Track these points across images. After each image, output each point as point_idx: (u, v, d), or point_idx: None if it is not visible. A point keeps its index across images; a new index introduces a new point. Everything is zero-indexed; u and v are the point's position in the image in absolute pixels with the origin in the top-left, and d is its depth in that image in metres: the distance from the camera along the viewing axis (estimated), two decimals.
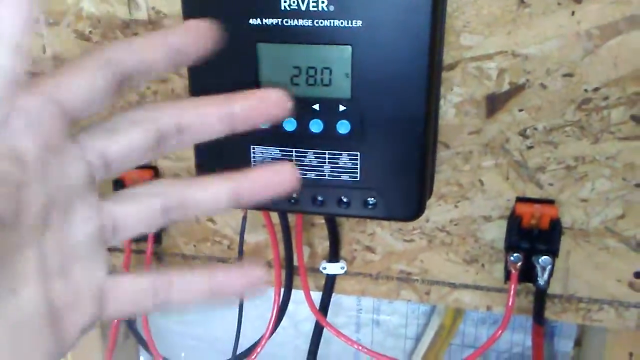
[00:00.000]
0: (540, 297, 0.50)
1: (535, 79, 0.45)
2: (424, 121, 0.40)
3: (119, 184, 0.53)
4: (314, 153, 0.42)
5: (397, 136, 0.41)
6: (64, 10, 0.51)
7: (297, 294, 0.56)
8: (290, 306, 0.67)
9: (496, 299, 0.53)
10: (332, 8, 0.38)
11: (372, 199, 0.43)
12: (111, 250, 0.59)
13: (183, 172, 0.54)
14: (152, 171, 0.55)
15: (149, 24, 0.49)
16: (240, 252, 0.55)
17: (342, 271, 0.54)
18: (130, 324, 0.66)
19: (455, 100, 0.47)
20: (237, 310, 0.56)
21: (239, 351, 0.59)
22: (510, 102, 0.46)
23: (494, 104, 0.46)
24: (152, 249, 0.56)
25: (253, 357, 0.56)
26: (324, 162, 0.42)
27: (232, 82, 0.41)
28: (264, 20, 0.39)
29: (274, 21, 0.39)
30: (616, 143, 0.45)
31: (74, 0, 0.50)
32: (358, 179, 0.42)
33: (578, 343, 0.65)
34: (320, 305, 0.55)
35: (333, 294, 0.56)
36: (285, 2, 0.39)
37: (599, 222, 0.48)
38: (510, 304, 0.49)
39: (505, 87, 0.45)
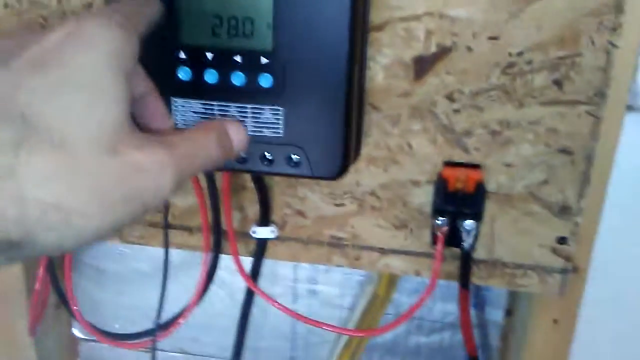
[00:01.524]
0: (466, 261, 0.50)
1: (461, 42, 0.45)
2: (346, 78, 0.40)
3: None
4: (236, 107, 0.41)
5: (320, 93, 0.41)
6: None
7: (231, 264, 0.55)
8: (227, 276, 0.66)
9: (425, 264, 0.53)
10: None
11: (296, 156, 0.42)
12: None
13: None
14: None
15: None
16: (166, 217, 0.54)
17: (273, 235, 0.54)
18: (61, 294, 0.64)
19: (384, 62, 0.47)
20: (162, 276, 0.55)
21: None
22: (438, 64, 0.46)
23: (422, 66, 0.46)
24: None
25: (180, 321, 0.56)
26: (247, 117, 0.41)
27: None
28: None
29: None
30: (539, 108, 0.46)
31: None
32: (281, 135, 0.42)
33: (509, 313, 0.66)
34: (251, 271, 0.55)
35: (267, 265, 0.56)
36: None
37: (523, 187, 0.49)
38: (436, 267, 0.49)
39: (433, 49, 0.46)
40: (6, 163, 0.21)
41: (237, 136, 0.31)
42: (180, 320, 0.57)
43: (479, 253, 0.51)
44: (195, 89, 0.41)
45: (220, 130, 0.30)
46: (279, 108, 0.41)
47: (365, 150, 0.50)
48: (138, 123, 0.33)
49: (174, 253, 0.59)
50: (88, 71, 0.24)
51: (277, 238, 0.54)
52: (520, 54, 0.45)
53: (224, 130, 0.31)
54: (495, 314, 0.66)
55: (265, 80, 0.40)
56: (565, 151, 0.47)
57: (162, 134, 0.28)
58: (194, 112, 0.42)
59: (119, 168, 0.24)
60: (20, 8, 0.49)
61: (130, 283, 0.70)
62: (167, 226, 0.54)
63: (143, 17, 0.30)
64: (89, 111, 0.24)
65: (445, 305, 0.67)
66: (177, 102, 0.41)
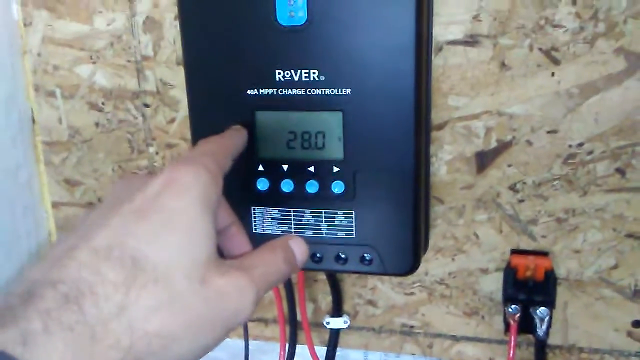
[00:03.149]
0: (541, 348, 0.50)
1: (521, 136, 0.47)
2: (413, 179, 0.43)
3: None
4: (311, 212, 0.44)
5: (389, 194, 0.43)
6: (78, 84, 0.54)
7: (304, 350, 0.56)
8: None
9: (498, 350, 0.54)
10: (322, 78, 0.41)
11: (368, 254, 0.44)
12: None
13: None
14: None
15: (157, 94, 0.53)
16: None
17: (346, 325, 0.55)
18: None
19: (446, 157, 0.49)
20: None
21: None
22: (499, 158, 0.48)
23: (483, 160, 0.48)
24: None
25: None
26: (321, 221, 0.44)
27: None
28: (260, 90, 0.42)
29: (270, 91, 0.42)
30: (604, 195, 0.47)
31: (87, 75, 0.54)
32: (354, 236, 0.44)
33: None
34: None
35: (338, 349, 0.57)
36: (279, 73, 0.42)
37: (593, 272, 0.49)
38: (511, 355, 0.49)
39: (493, 144, 0.48)
40: (120, 300, 0.25)
41: (299, 250, 0.34)
42: None
43: (554, 339, 0.51)
44: (273, 198, 0.44)
45: (284, 247, 0.33)
46: (351, 211, 0.44)
47: (432, 241, 0.51)
48: (222, 252, 0.36)
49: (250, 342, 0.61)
50: (182, 215, 0.28)
51: (349, 327, 0.56)
52: (580, 145, 0.46)
53: (287, 246, 0.33)
54: None
55: (338, 187, 0.43)
56: (633, 236, 0.48)
57: (237, 258, 0.32)
58: (272, 218, 0.45)
59: (207, 295, 0.27)
60: (110, 126, 0.55)
61: None
62: None
63: (229, 153, 0.35)
64: (184, 249, 0.27)
65: None
66: (257, 210, 0.45)
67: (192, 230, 0.28)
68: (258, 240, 0.45)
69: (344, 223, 0.44)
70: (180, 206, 0.28)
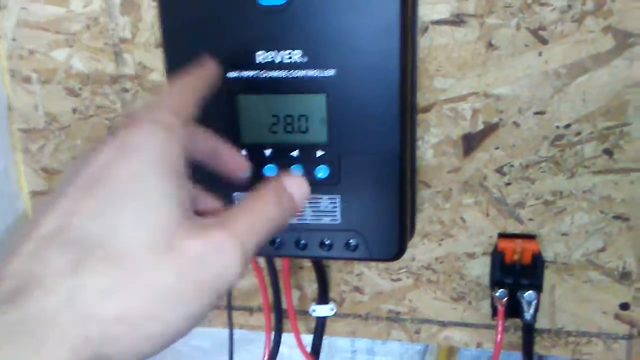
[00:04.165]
0: (528, 332, 0.50)
1: (508, 118, 0.46)
2: (399, 162, 0.42)
3: None
4: None
5: (374, 178, 0.42)
6: (54, 68, 0.53)
7: (291, 338, 0.56)
8: (285, 350, 0.67)
9: (486, 335, 0.53)
10: (305, 59, 0.40)
11: (354, 240, 0.44)
12: None
13: None
14: None
15: (136, 78, 0.51)
16: (229, 296, 0.55)
17: (332, 313, 0.55)
18: None
19: (433, 140, 0.48)
20: (228, 356, 0.56)
21: None
22: (486, 140, 0.47)
23: (470, 143, 0.48)
24: None
25: None
26: (305, 206, 0.43)
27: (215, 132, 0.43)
28: (241, 73, 0.41)
29: (251, 74, 0.41)
30: (591, 177, 0.46)
31: (63, 59, 0.52)
32: (339, 222, 0.43)
33: None
34: (311, 348, 0.55)
35: (325, 337, 0.56)
36: (260, 55, 0.40)
37: (581, 255, 0.49)
38: (498, 339, 0.49)
39: (480, 126, 0.47)
40: (67, 288, 0.22)
41: (297, 188, 0.30)
42: None
43: (541, 322, 0.51)
44: (256, 184, 0.43)
45: (276, 190, 0.29)
46: (336, 196, 0.43)
47: (419, 226, 0.51)
48: (219, 174, 0.34)
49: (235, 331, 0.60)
50: (133, 181, 0.25)
51: (335, 315, 0.55)
52: (567, 126, 0.45)
53: (280, 188, 0.29)
54: None
55: (322, 172, 0.42)
56: (620, 217, 0.47)
57: (220, 213, 0.28)
58: None
59: (177, 263, 0.24)
60: (87, 112, 0.53)
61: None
62: (230, 308, 0.56)
63: (192, 96, 0.31)
64: (137, 219, 0.24)
65: None
66: (239, 196, 0.44)
67: (146, 197, 0.25)
68: None
69: (329, 208, 0.43)
70: (129, 173, 0.25)
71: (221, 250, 0.25)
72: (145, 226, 0.24)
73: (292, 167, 0.42)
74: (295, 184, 0.30)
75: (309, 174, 0.42)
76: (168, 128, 0.27)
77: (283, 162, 0.42)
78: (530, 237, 0.49)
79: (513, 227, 0.49)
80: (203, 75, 0.33)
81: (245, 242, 0.26)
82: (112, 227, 0.24)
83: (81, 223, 0.24)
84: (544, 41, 0.44)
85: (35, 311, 0.22)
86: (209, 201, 0.32)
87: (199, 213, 0.27)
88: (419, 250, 0.52)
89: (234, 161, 0.34)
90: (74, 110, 0.53)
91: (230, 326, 0.56)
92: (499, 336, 0.49)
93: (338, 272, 0.54)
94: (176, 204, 0.25)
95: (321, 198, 0.43)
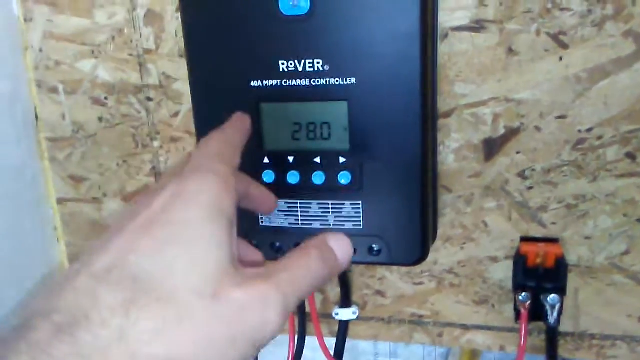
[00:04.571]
0: (552, 336, 0.50)
1: (529, 122, 0.46)
2: (421, 168, 0.42)
3: None
4: (318, 204, 0.44)
5: (396, 184, 0.42)
6: (80, 79, 0.54)
7: (314, 341, 0.56)
8: (309, 353, 0.67)
9: (509, 338, 0.53)
10: (327, 68, 0.40)
11: (376, 245, 0.44)
12: None
13: None
14: None
15: (160, 88, 0.52)
16: None
17: (355, 316, 0.55)
18: None
19: (454, 145, 0.48)
20: (253, 359, 0.57)
21: None
22: (507, 145, 0.47)
23: (491, 147, 0.48)
24: None
25: None
26: (328, 212, 0.44)
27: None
28: (264, 81, 0.42)
29: (274, 82, 0.42)
30: (614, 180, 0.46)
31: (89, 70, 0.53)
32: (361, 227, 0.44)
33: None
34: (334, 351, 0.56)
35: (348, 340, 0.57)
36: (283, 64, 0.41)
37: (604, 258, 0.49)
38: (522, 343, 0.49)
39: (501, 131, 0.47)
40: (118, 325, 0.23)
41: (341, 247, 0.30)
42: None
43: (565, 326, 0.51)
44: (279, 190, 0.44)
45: (320, 246, 0.30)
46: (358, 202, 0.43)
47: (441, 230, 0.51)
48: (249, 212, 0.35)
49: None
50: (190, 227, 0.26)
51: (358, 318, 0.56)
52: (589, 130, 0.45)
53: (324, 245, 0.30)
54: None
55: (344, 178, 0.43)
56: None
57: (265, 266, 0.28)
58: (278, 210, 0.44)
59: (222, 311, 0.25)
60: (113, 121, 0.54)
61: None
62: None
63: (236, 147, 0.33)
64: (191, 263, 0.25)
65: None
66: None
67: (201, 243, 0.25)
68: (265, 234, 0.45)
69: (352, 214, 0.43)
70: (187, 218, 0.26)
71: (264, 303, 0.25)
72: (198, 271, 0.25)
73: (314, 173, 0.43)
74: (339, 242, 0.30)
75: (332, 181, 0.43)
76: (223, 177, 0.28)
77: (305, 168, 0.43)
78: (553, 240, 0.49)
79: (535, 231, 0.49)
80: (242, 127, 0.35)
81: (287, 296, 0.26)
82: (167, 268, 0.24)
83: (137, 260, 0.24)
84: (564, 46, 0.44)
85: (89, 344, 0.22)
86: (250, 251, 0.33)
87: (242, 264, 0.28)
88: (441, 254, 0.52)
89: (265, 199, 0.36)
90: (100, 119, 0.55)
91: None
92: (523, 339, 0.49)
93: (360, 276, 0.55)
94: (227, 253, 0.26)
95: (344, 204, 0.43)
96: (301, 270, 0.28)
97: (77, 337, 0.22)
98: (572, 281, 0.50)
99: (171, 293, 0.24)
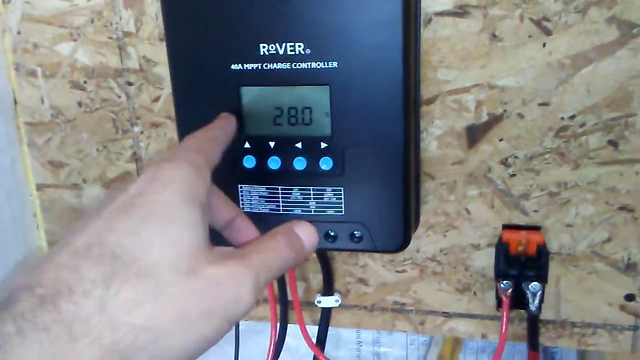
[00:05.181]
0: (533, 323, 0.50)
1: (512, 109, 0.46)
2: (403, 154, 0.42)
3: None
4: (299, 189, 0.43)
5: (378, 170, 0.42)
6: (59, 62, 0.53)
7: (296, 329, 0.56)
8: (292, 341, 0.67)
9: (491, 326, 0.53)
10: (308, 51, 0.40)
11: (358, 232, 0.44)
12: None
13: None
14: None
15: (140, 72, 0.52)
16: None
17: (337, 304, 0.55)
18: None
19: (437, 132, 0.48)
20: (234, 346, 0.57)
21: None
22: (490, 132, 0.47)
23: (474, 134, 0.47)
24: None
25: None
26: (309, 198, 0.43)
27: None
28: (245, 65, 0.41)
29: (254, 66, 0.41)
30: (596, 168, 0.46)
31: (68, 53, 0.52)
32: (343, 213, 0.43)
33: None
34: (317, 339, 0.56)
35: (331, 328, 0.57)
36: (263, 47, 0.40)
37: (586, 246, 0.49)
38: (503, 331, 0.49)
39: (484, 118, 0.47)
40: (99, 296, 0.24)
41: (307, 235, 0.33)
42: None
43: (546, 314, 0.51)
44: (260, 176, 0.43)
45: (288, 232, 0.32)
46: (340, 188, 0.43)
47: (423, 217, 0.51)
48: (233, 245, 0.36)
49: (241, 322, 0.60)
50: (165, 208, 0.27)
51: (340, 306, 0.55)
52: (572, 117, 0.45)
53: (291, 232, 0.32)
54: None
55: (326, 163, 0.42)
56: (626, 209, 0.47)
57: (238, 248, 0.31)
58: (259, 196, 0.44)
59: (197, 286, 0.27)
60: (93, 106, 0.53)
61: None
62: None
63: (217, 145, 0.34)
64: (167, 241, 0.27)
65: None
66: (244, 188, 0.44)
67: (176, 222, 0.27)
68: None
69: (333, 200, 0.43)
70: (162, 199, 0.28)
71: (237, 278, 0.28)
72: (174, 249, 0.27)
73: (295, 159, 0.42)
74: (304, 230, 0.33)
75: (313, 166, 0.42)
76: (197, 166, 0.30)
77: (287, 154, 0.42)
78: (535, 228, 0.49)
79: (518, 219, 0.49)
80: (227, 129, 0.38)
81: (259, 274, 0.28)
82: (144, 245, 0.26)
83: (116, 239, 0.26)
84: (547, 32, 0.44)
85: (72, 313, 0.24)
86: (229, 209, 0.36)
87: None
88: (423, 242, 0.52)
89: (248, 233, 0.36)
90: (80, 104, 0.54)
91: None
92: (504, 327, 0.49)
93: (343, 263, 0.54)
94: (201, 232, 0.28)
95: (325, 190, 0.43)
96: (271, 252, 0.30)
97: (60, 307, 0.24)
98: (554, 269, 0.50)
99: (149, 268, 0.26)
